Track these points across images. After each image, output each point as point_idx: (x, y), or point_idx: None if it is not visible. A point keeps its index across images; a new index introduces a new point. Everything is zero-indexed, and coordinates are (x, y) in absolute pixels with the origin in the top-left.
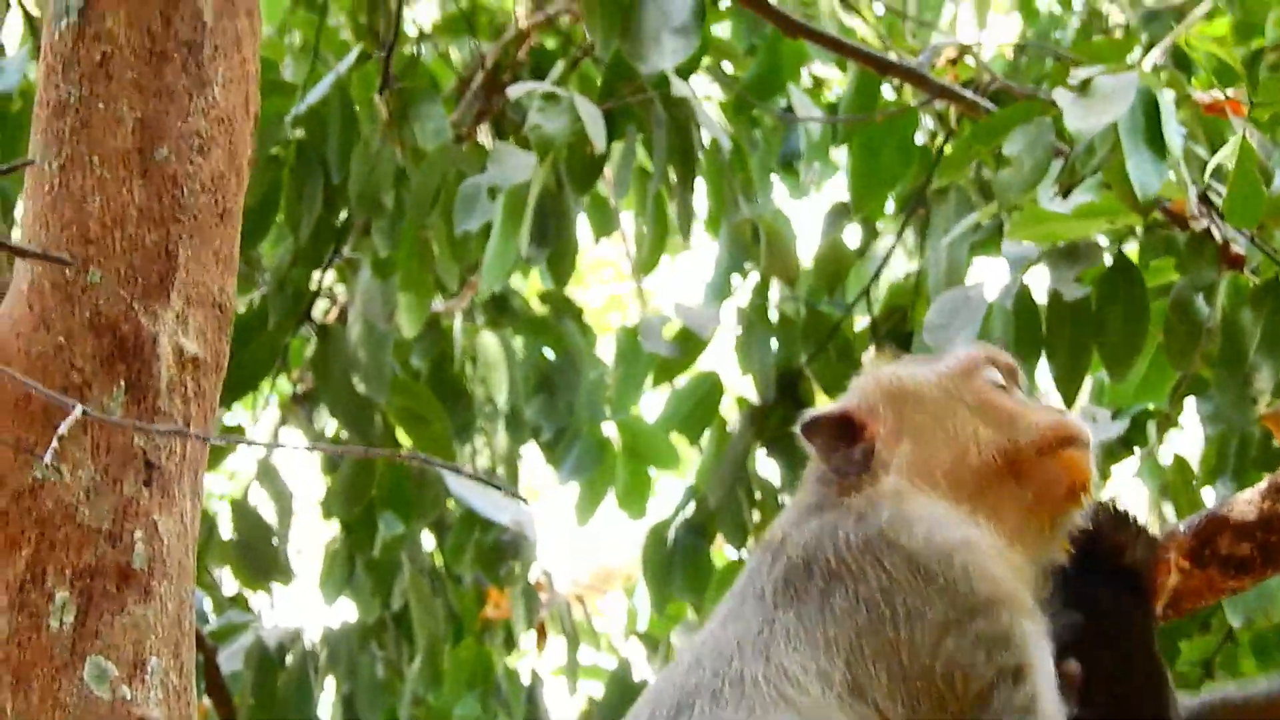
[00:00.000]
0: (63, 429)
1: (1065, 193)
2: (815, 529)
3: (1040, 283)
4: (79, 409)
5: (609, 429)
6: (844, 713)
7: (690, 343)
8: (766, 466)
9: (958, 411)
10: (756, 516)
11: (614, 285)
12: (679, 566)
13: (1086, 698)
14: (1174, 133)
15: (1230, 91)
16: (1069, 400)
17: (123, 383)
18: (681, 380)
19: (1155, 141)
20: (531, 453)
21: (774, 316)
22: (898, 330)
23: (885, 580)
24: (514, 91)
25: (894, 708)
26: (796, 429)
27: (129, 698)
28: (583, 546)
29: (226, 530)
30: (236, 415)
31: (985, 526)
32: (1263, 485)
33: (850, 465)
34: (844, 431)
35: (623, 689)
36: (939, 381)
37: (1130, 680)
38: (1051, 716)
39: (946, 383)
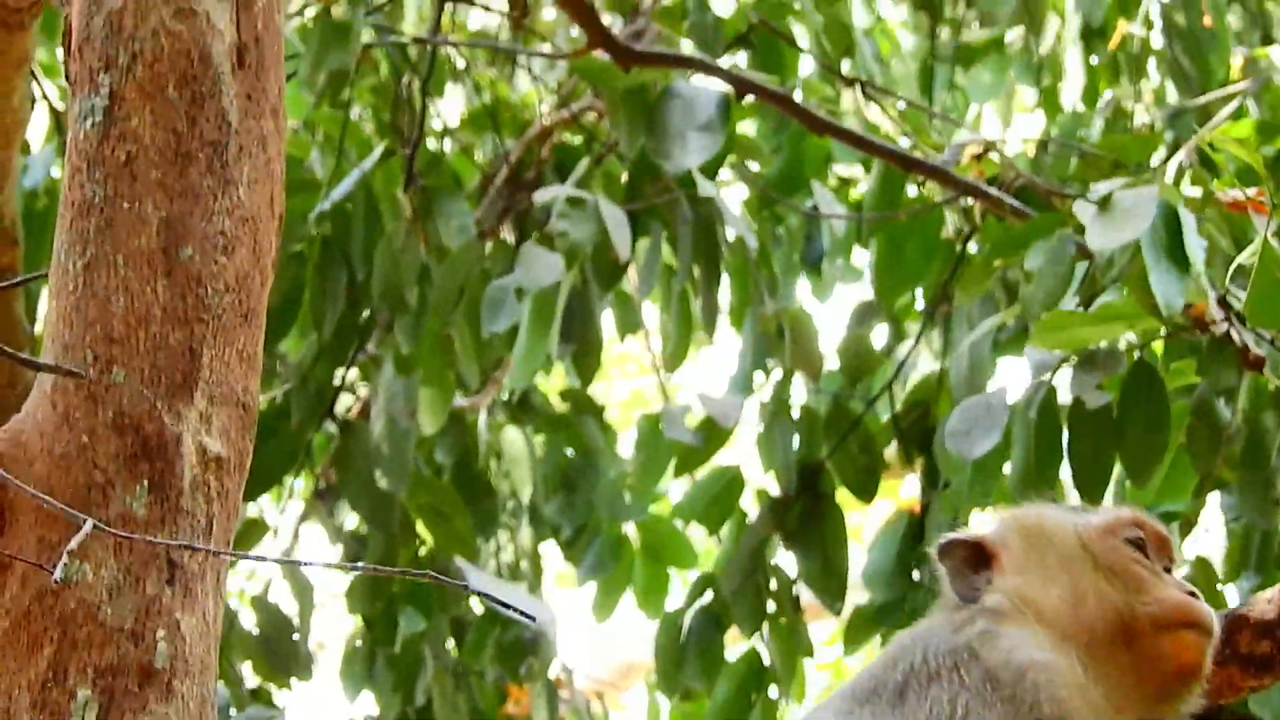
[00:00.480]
0: (73, 544)
1: (1086, 304)
2: (916, 635)
3: (1063, 386)
4: (90, 524)
5: (628, 527)
6: None
7: (713, 433)
8: (784, 558)
9: (1086, 563)
10: (772, 607)
11: (636, 380)
12: (692, 655)
13: None
14: (1195, 246)
15: (1252, 191)
16: (1091, 502)
17: (146, 482)
18: (702, 472)
19: (1177, 254)
20: (551, 549)
21: (796, 409)
22: (919, 426)
23: (957, 686)
24: (540, 197)
25: None
26: (933, 550)
27: None
28: (603, 642)
29: (249, 624)
30: (260, 505)
31: (1077, 665)
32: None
33: (972, 592)
34: (976, 558)
35: None
36: (1077, 530)
37: None
38: None
39: (1085, 533)
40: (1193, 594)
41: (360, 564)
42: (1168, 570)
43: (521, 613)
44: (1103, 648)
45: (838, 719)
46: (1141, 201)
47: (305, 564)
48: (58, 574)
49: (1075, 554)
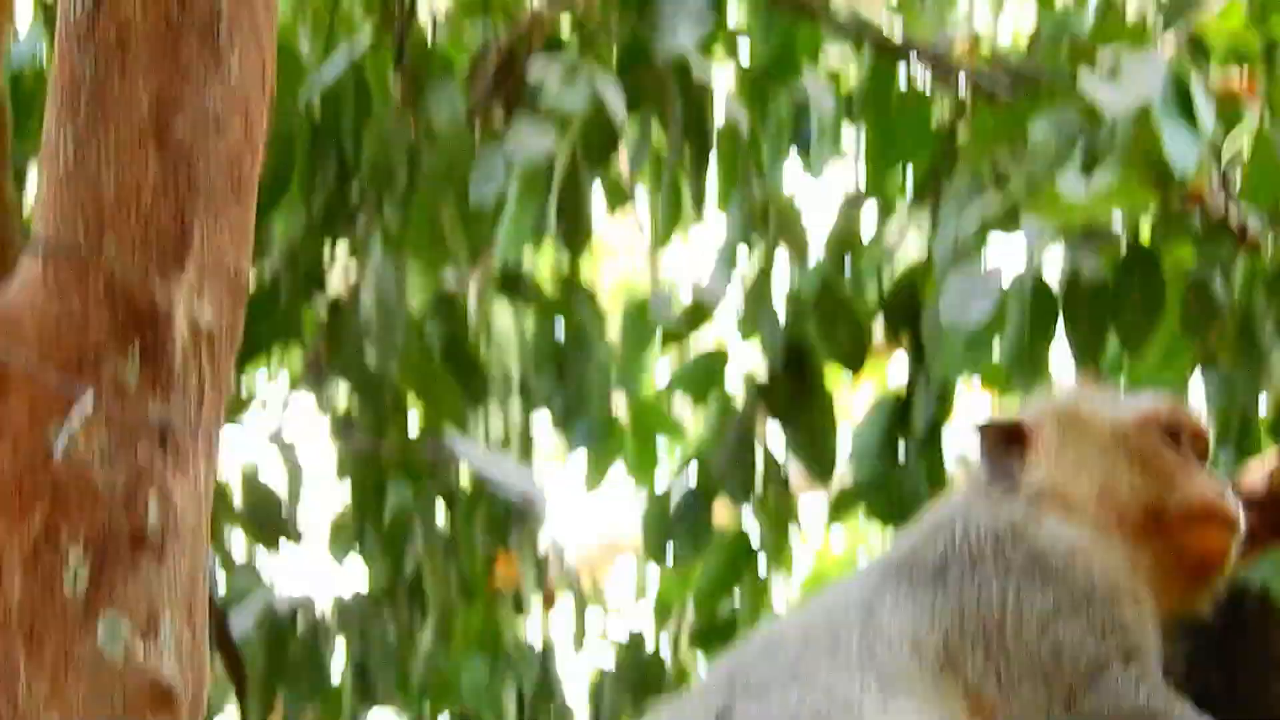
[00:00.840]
0: (75, 421)
1: (1087, 170)
2: (951, 513)
3: (1056, 264)
4: (89, 396)
5: (617, 407)
6: (927, 682)
7: (699, 313)
8: (773, 439)
9: (1119, 454)
10: (759, 482)
11: (625, 264)
12: (679, 530)
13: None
14: (1205, 109)
15: (1245, 76)
16: (1082, 369)
17: (137, 353)
18: (689, 354)
19: (1188, 118)
20: (541, 421)
21: (783, 289)
22: (908, 305)
23: (1003, 565)
24: (533, 71)
25: (990, 683)
26: (974, 427)
27: (142, 658)
28: (592, 515)
29: (238, 492)
30: (249, 381)
31: (1117, 549)
32: (1274, 453)
33: (1004, 474)
34: (1010, 441)
35: (635, 653)
36: (1113, 420)
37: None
38: (1163, 689)
39: (1119, 424)
40: (1223, 489)
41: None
42: (1202, 460)
43: (519, 479)
44: (1132, 537)
45: (874, 595)
46: (1150, 67)
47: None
48: (58, 450)
49: (1109, 444)
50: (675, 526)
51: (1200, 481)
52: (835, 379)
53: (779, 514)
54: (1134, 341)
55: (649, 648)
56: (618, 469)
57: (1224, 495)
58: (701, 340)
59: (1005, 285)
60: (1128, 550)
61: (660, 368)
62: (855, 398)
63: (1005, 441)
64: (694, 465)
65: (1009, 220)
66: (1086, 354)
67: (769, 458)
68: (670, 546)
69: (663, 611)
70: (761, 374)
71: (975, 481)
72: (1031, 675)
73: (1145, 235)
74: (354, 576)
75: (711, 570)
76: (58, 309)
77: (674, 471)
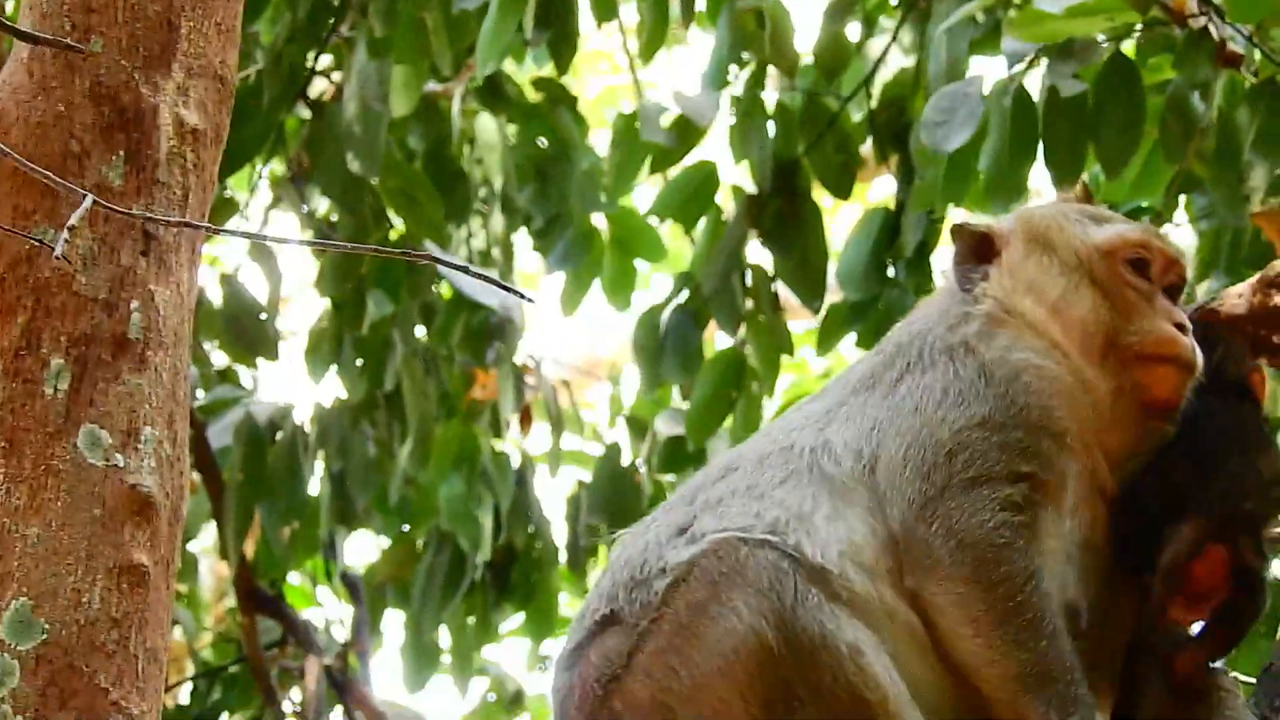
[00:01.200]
0: (73, 220)
1: None
2: (914, 328)
3: (1038, 81)
4: (89, 199)
5: (599, 220)
6: (860, 487)
7: (687, 131)
8: (761, 255)
9: (1081, 279)
10: (749, 304)
11: (610, 78)
12: (670, 351)
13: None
14: None
15: None
16: (1060, 189)
17: (122, 152)
18: (676, 170)
19: None
20: (522, 239)
21: (772, 106)
22: (895, 122)
23: (951, 375)
24: None
25: (892, 479)
26: (950, 231)
27: (122, 465)
28: (571, 335)
29: (217, 304)
30: (231, 187)
31: (1070, 372)
32: (1253, 280)
33: (970, 280)
34: (983, 248)
35: (611, 472)
36: (1082, 244)
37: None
38: (1021, 531)
39: (1085, 248)
40: (1181, 326)
41: (355, 245)
42: (1175, 289)
43: (504, 286)
44: (1090, 356)
45: (834, 408)
46: None
47: (282, 241)
48: (58, 249)
49: (1073, 267)
50: (666, 347)
51: (1159, 318)
52: (824, 198)
53: (769, 336)
54: (1113, 158)
55: (624, 465)
56: (596, 289)
57: (1180, 336)
58: (688, 159)
59: (985, 105)
60: (1086, 371)
61: (644, 191)
62: (843, 217)
63: (976, 248)
64: (685, 286)
65: (993, 39)
66: (1065, 173)
67: (758, 278)
68: (662, 368)
69: (638, 431)
70: (750, 189)
71: (943, 293)
72: (922, 464)
73: (1126, 51)
74: (330, 389)
75: (704, 390)
76: (44, 109)
77: (667, 295)
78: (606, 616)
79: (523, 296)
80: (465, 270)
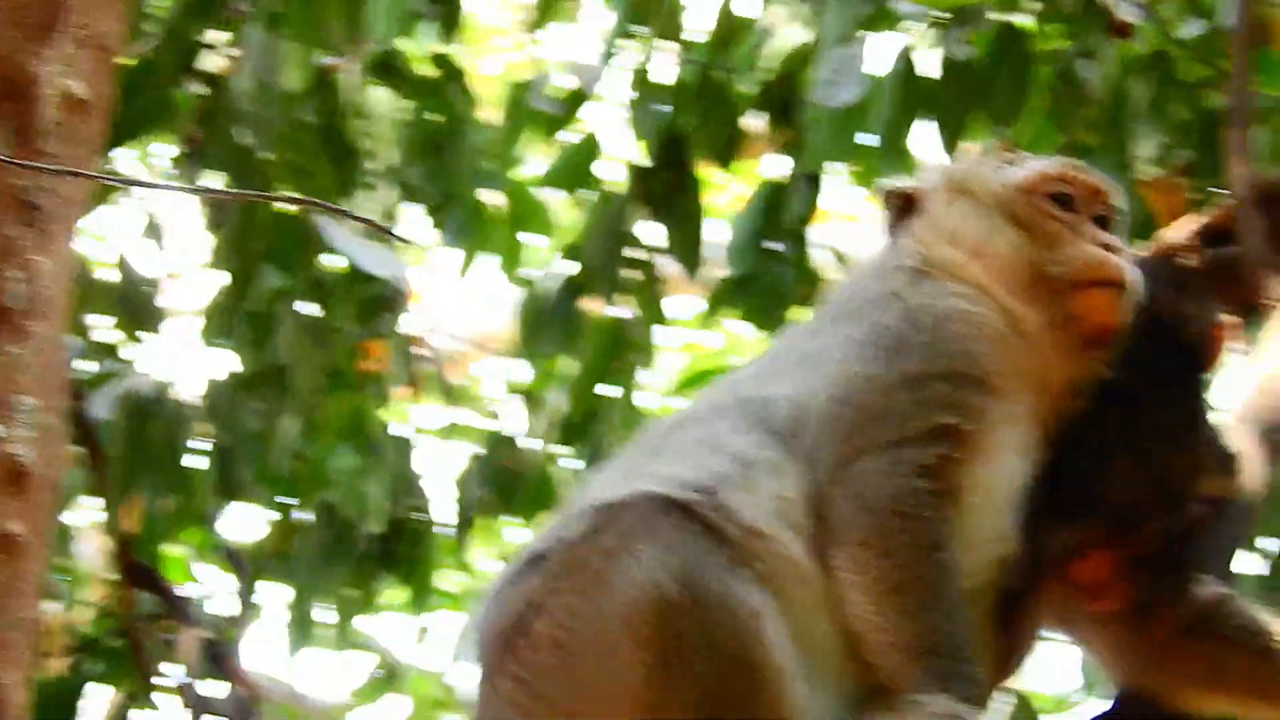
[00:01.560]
0: None
1: None
2: (848, 284)
3: (929, 51)
4: None
5: (491, 195)
6: (796, 445)
7: (577, 100)
8: (648, 229)
9: (1002, 221)
10: (631, 275)
11: (503, 54)
12: (554, 323)
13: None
14: None
15: None
16: (950, 151)
17: (7, 122)
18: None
19: None
20: (414, 215)
21: (663, 79)
22: (786, 96)
23: (880, 325)
24: None
25: (818, 441)
26: (877, 192)
27: (1, 435)
28: (463, 310)
29: (105, 278)
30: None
31: (1000, 318)
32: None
33: (900, 239)
34: (908, 205)
35: (500, 447)
36: (1000, 186)
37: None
38: (932, 499)
39: (1006, 191)
40: (1110, 247)
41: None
42: (1104, 220)
43: (397, 237)
44: (1020, 295)
45: (778, 361)
46: None
47: (178, 188)
48: None
49: (992, 210)
50: (549, 318)
51: (1085, 244)
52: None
53: (651, 308)
54: (1002, 122)
55: (515, 441)
56: (488, 262)
57: (1109, 256)
58: (578, 131)
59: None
60: (1019, 314)
61: (534, 163)
62: (729, 196)
63: (903, 208)
64: (568, 257)
65: (886, 16)
66: (952, 137)
67: (641, 250)
68: (544, 339)
69: (530, 405)
70: (638, 161)
71: (878, 252)
72: (841, 429)
73: (1018, 19)
74: (220, 363)
75: (585, 361)
76: None
77: (550, 267)
78: (537, 555)
79: (403, 273)
80: (369, 223)
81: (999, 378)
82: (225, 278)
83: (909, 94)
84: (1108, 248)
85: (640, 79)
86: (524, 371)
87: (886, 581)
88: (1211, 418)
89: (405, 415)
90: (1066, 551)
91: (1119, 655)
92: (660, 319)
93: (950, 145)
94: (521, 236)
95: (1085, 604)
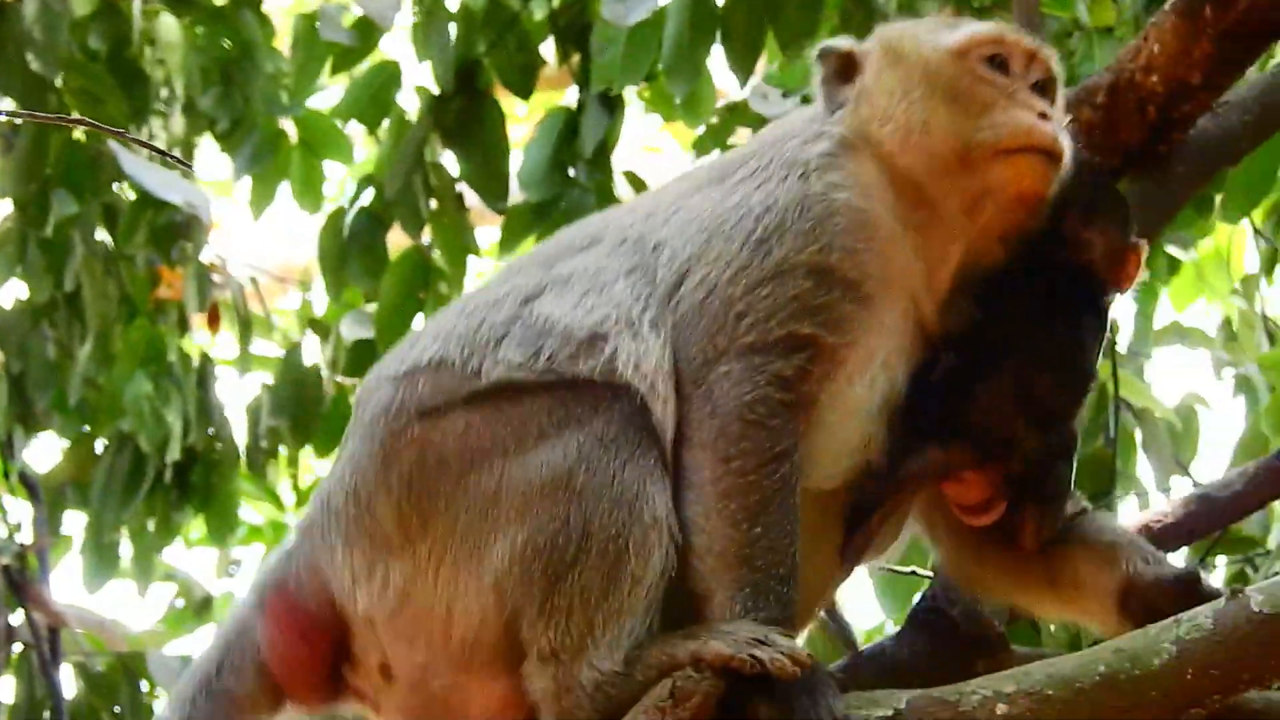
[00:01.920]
0: None
1: None
2: (776, 132)
3: None
4: None
5: (286, 124)
6: (652, 311)
7: (369, 31)
8: (445, 156)
9: (934, 87)
10: (433, 205)
11: None
12: (354, 254)
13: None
14: None
15: None
16: (742, 77)
17: None
18: (360, 70)
19: None
20: (208, 146)
21: (453, 6)
22: (577, 22)
23: (771, 194)
24: None
25: (686, 330)
26: (814, 53)
27: None
28: (267, 243)
29: None
30: None
31: (907, 212)
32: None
33: (832, 100)
34: (846, 69)
35: (293, 376)
36: (933, 51)
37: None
38: (783, 409)
39: (937, 55)
40: (1045, 116)
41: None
42: (1042, 85)
43: (185, 165)
44: (942, 176)
45: (684, 198)
46: None
47: None
48: None
49: (923, 76)
50: (350, 249)
51: (1017, 110)
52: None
53: (455, 236)
54: (792, 44)
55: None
56: (286, 193)
57: (1039, 123)
58: (372, 60)
59: None
60: (937, 193)
61: (331, 92)
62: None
63: (840, 69)
64: (368, 188)
65: None
66: (744, 58)
67: (442, 179)
68: (347, 271)
69: (324, 330)
70: (433, 89)
71: (810, 111)
72: (708, 324)
73: None
74: (11, 290)
75: (391, 292)
76: None
77: (350, 198)
78: (438, 359)
79: (198, 200)
80: (160, 151)
81: (875, 283)
82: (14, 204)
83: (699, 14)
84: (1043, 116)
85: (429, 4)
86: (320, 299)
87: (721, 485)
88: (1099, 343)
89: (201, 348)
90: (930, 470)
91: (979, 564)
92: (470, 249)
93: (742, 66)
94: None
95: (966, 519)
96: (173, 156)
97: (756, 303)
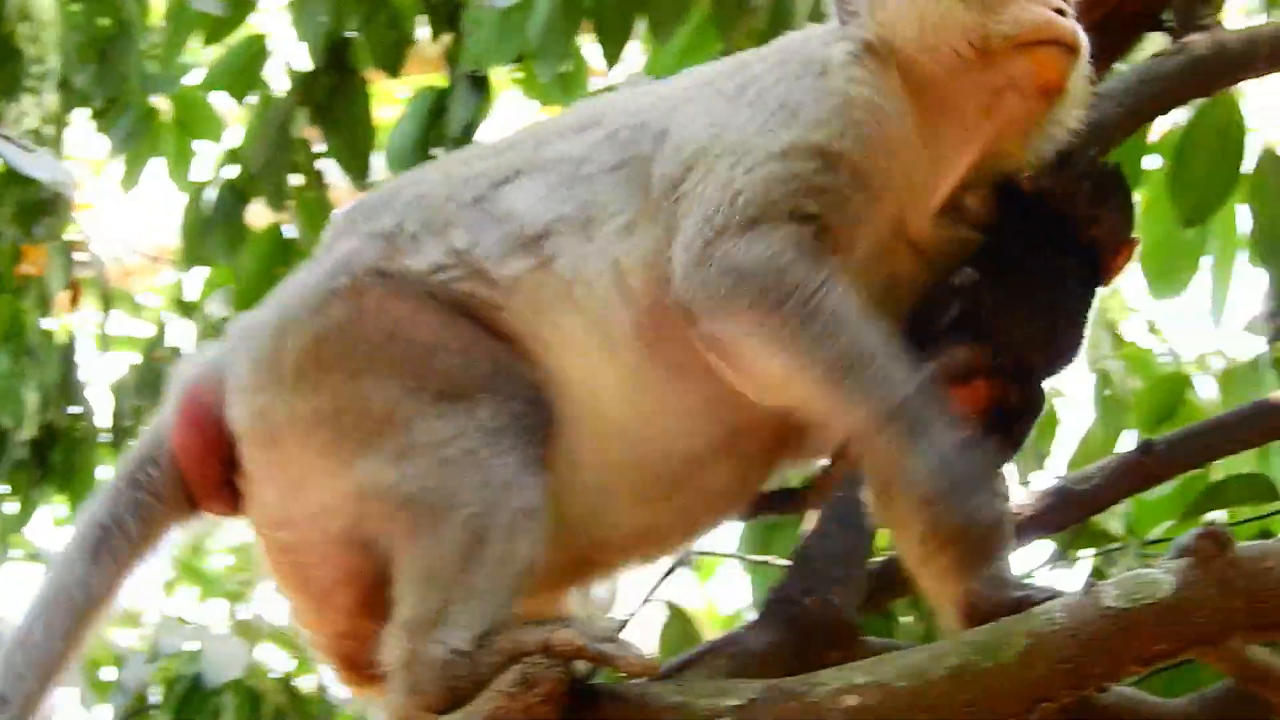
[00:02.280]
0: None
1: None
2: (796, 37)
3: None
4: None
5: (159, 101)
6: (666, 206)
7: (240, 3)
8: (311, 133)
9: None
10: (299, 180)
11: None
12: (216, 228)
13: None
14: None
15: None
16: (611, 62)
17: None
18: (230, 43)
19: None
20: (81, 124)
21: None
22: (450, 1)
23: (789, 90)
24: None
25: (685, 219)
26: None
27: None
28: (139, 222)
29: None
30: None
31: (922, 120)
32: None
33: (848, 10)
34: None
35: (160, 355)
36: None
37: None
38: (808, 261)
39: None
40: (1061, 11)
41: None
42: None
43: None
44: (963, 74)
45: (695, 89)
46: None
47: None
48: None
49: None
50: (211, 226)
51: (1034, 4)
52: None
53: (316, 213)
54: (662, 29)
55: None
56: (158, 170)
57: (1058, 16)
58: (242, 33)
59: None
60: (955, 96)
61: (201, 69)
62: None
63: None
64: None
65: None
66: (614, 41)
67: (306, 155)
68: (207, 246)
69: (188, 314)
70: (303, 68)
71: (829, 21)
72: (708, 210)
73: None
74: None
75: (250, 268)
76: None
77: (212, 171)
78: (389, 232)
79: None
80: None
81: (881, 181)
82: None
83: None
84: (1060, 12)
85: None
86: (192, 282)
87: (789, 327)
88: (1084, 324)
89: (67, 326)
90: (957, 371)
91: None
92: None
93: (612, 51)
94: (194, 145)
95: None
96: (21, 144)
97: (756, 182)
